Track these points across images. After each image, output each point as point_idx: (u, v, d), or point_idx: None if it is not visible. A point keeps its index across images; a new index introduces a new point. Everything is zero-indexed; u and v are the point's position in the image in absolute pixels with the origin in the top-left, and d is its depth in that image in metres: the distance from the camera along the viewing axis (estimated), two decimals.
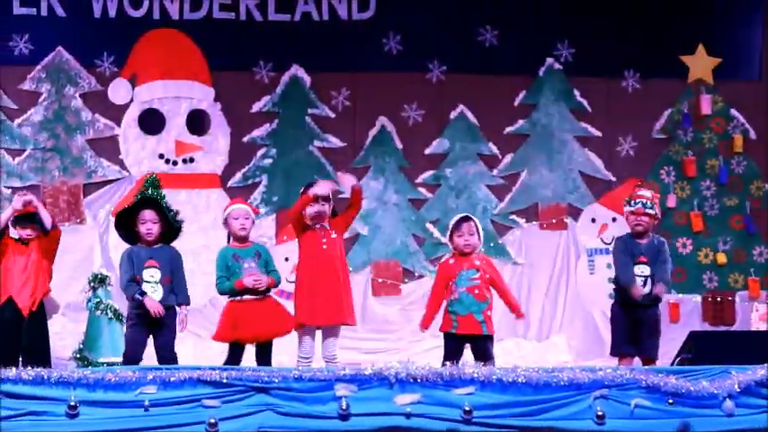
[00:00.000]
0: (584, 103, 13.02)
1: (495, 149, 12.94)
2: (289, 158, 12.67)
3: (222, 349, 9.03)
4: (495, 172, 12.94)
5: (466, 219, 9.18)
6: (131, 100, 12.56)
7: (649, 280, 9.15)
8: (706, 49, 13.05)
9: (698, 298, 12.87)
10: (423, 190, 12.87)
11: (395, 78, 12.72)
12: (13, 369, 7.53)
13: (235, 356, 8.72)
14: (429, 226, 12.80)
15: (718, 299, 12.87)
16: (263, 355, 8.77)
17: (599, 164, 12.98)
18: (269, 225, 12.56)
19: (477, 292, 8.95)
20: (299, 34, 12.69)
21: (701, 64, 13.06)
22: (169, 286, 8.81)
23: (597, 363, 10.16)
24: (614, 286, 9.39)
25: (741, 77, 13.07)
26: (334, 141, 12.76)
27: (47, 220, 9.40)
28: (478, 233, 9.12)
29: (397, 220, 12.78)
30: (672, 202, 12.88)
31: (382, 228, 12.77)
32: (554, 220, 12.93)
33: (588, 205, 12.96)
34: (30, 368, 7.53)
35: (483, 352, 8.87)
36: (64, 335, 11.43)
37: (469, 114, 12.90)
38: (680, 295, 12.77)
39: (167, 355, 8.78)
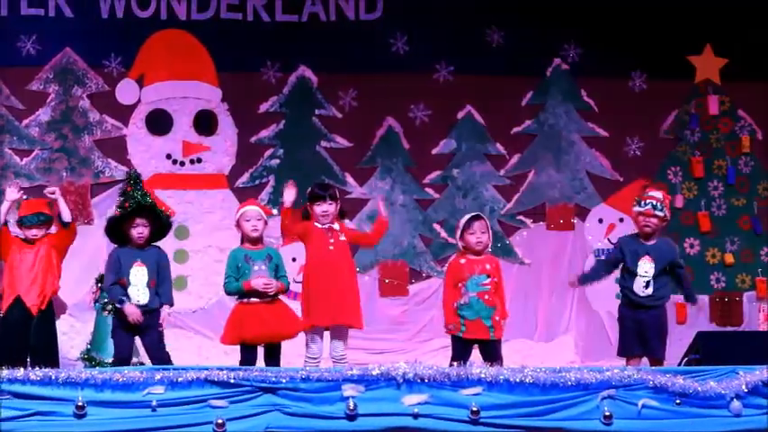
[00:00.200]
0: (592, 103, 13.02)
1: (502, 150, 12.94)
2: (296, 159, 12.67)
3: (228, 350, 9.05)
4: (502, 172, 12.93)
5: (477, 217, 9.21)
6: (139, 100, 12.57)
7: (653, 281, 9.14)
8: (713, 50, 13.05)
9: (705, 298, 12.86)
10: (430, 190, 12.86)
11: (402, 79, 12.70)
12: (21, 369, 7.55)
13: (247, 359, 8.73)
14: (436, 226, 12.80)
15: (726, 299, 12.86)
16: (272, 358, 8.78)
17: (606, 164, 12.97)
18: (275, 226, 12.53)
19: (487, 297, 8.97)
20: (306, 35, 12.70)
21: (708, 64, 13.05)
22: (155, 289, 8.95)
23: (604, 363, 10.15)
24: (620, 287, 9.39)
25: (748, 78, 13.05)
26: (341, 142, 12.76)
27: (66, 213, 9.48)
28: (489, 232, 9.15)
29: (404, 221, 12.77)
30: (679, 202, 12.87)
31: (389, 228, 12.75)
32: (561, 221, 12.92)
33: (595, 206, 12.95)
34: (37, 368, 7.55)
35: (491, 353, 8.88)
36: (71, 335, 11.45)
37: (476, 115, 12.90)
38: None
39: (157, 354, 8.90)
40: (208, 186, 12.58)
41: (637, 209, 9.33)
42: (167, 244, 9.38)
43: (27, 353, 9.25)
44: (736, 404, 7.69)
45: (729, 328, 12.67)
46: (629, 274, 9.21)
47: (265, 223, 9.04)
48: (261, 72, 12.69)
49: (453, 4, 12.78)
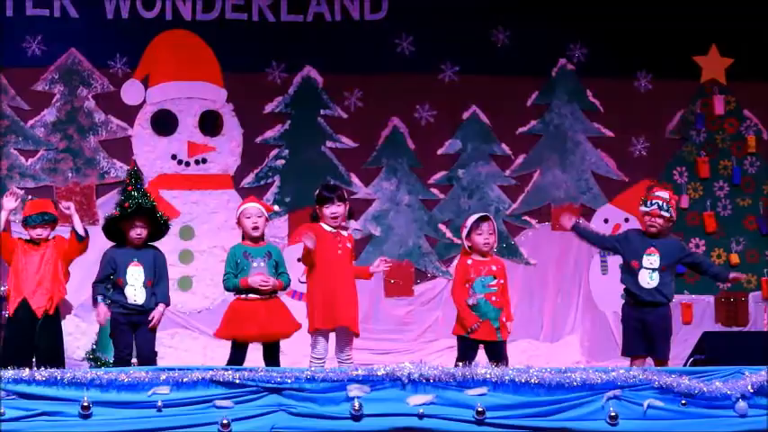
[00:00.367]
0: (597, 103, 13.01)
1: (507, 150, 12.93)
2: (301, 159, 12.67)
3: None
4: (507, 172, 12.92)
5: (486, 218, 9.20)
6: (144, 101, 12.57)
7: (658, 273, 9.12)
8: (719, 50, 13.04)
9: (711, 299, 12.85)
10: (435, 191, 12.85)
11: (407, 79, 12.70)
12: (27, 370, 7.56)
13: (236, 355, 8.71)
14: (441, 227, 12.79)
15: (731, 299, 12.85)
16: (271, 357, 8.77)
17: (612, 164, 12.96)
18: (281, 226, 12.56)
19: (494, 299, 8.99)
20: (311, 35, 12.70)
21: (713, 64, 13.04)
22: (151, 289, 8.95)
23: (610, 363, 10.15)
24: (624, 287, 9.38)
25: (754, 78, 13.03)
26: (347, 142, 12.76)
27: (80, 228, 9.38)
28: (495, 233, 9.17)
29: (409, 221, 12.76)
30: (685, 202, 12.86)
31: (395, 228, 12.76)
32: None
33: (601, 206, 12.94)
34: (43, 369, 7.56)
35: (497, 354, 8.87)
36: (77, 335, 11.46)
37: (482, 115, 12.89)
38: (693, 296, 12.74)
39: (144, 353, 8.96)
40: (213, 187, 12.58)
41: (643, 209, 9.33)
42: (172, 244, 9.40)
43: (33, 354, 9.24)
44: (741, 405, 7.68)
45: (735, 329, 12.66)
46: (631, 271, 9.20)
47: (266, 220, 9.03)
48: (266, 72, 12.69)
49: (459, 4, 12.77)
